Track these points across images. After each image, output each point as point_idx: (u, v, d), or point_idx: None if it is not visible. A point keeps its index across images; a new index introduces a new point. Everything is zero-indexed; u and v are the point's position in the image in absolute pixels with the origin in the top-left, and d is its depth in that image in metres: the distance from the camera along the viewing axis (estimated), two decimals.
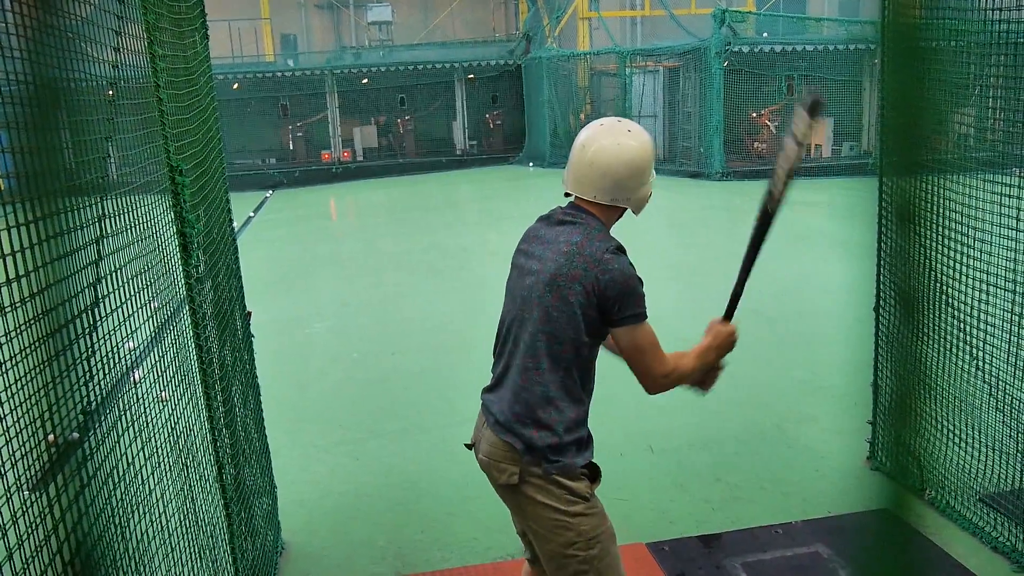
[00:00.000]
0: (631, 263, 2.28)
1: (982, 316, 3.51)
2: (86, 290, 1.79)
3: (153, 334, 2.38)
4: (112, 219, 2.01)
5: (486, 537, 3.84)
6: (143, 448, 2.10)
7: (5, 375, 1.49)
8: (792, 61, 16.88)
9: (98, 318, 1.85)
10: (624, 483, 4.25)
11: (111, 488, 1.84)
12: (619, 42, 21.35)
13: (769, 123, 16.85)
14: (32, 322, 1.52)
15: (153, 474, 2.19)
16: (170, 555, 2.29)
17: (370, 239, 12.45)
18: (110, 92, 2.18)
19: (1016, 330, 3.41)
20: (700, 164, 16.74)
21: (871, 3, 22.21)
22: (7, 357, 1.49)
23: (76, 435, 1.67)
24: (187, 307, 2.64)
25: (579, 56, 20.33)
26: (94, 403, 1.77)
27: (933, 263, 3.59)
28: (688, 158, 17.60)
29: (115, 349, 1.95)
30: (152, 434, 2.22)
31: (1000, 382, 3.56)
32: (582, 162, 2.33)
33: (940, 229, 3.53)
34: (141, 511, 2.05)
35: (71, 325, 1.64)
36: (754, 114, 16.98)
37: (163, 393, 2.40)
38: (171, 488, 2.36)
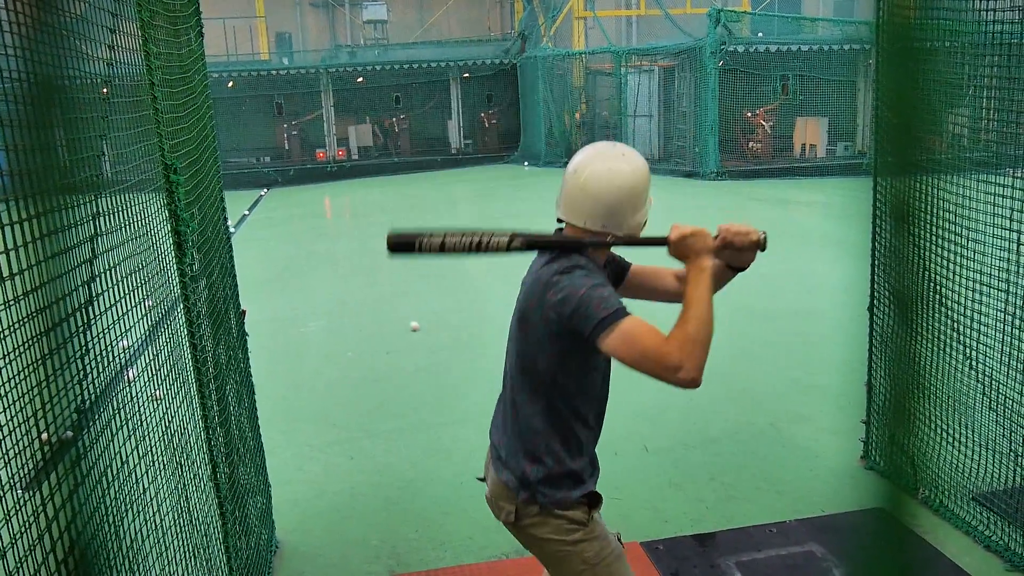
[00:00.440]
0: (587, 275, 2.12)
1: (976, 316, 3.52)
2: (80, 288, 1.78)
3: (147, 332, 2.37)
4: (106, 217, 2.01)
5: (481, 536, 3.84)
6: (137, 447, 2.10)
7: None
8: (787, 61, 16.93)
9: (92, 316, 1.85)
10: (619, 482, 4.25)
11: (105, 487, 1.83)
12: (614, 41, 21.35)
13: (764, 123, 16.89)
14: (26, 320, 1.51)
15: (147, 473, 2.18)
16: (164, 554, 2.28)
17: (365, 238, 12.43)
18: (104, 90, 2.17)
19: (1009, 329, 3.42)
20: (695, 164, 16.77)
21: (866, 3, 22.27)
22: (0, 355, 1.49)
23: (70, 433, 1.67)
24: (181, 305, 2.64)
25: (575, 55, 20.35)
26: (88, 401, 1.77)
27: (927, 263, 3.60)
28: (683, 158, 17.63)
29: (109, 347, 1.95)
30: (146, 433, 2.22)
31: (993, 381, 3.58)
32: (574, 187, 2.19)
33: (934, 229, 3.54)
34: (135, 510, 2.05)
35: (65, 323, 1.64)
36: (749, 114, 17.02)
37: (157, 392, 2.39)
38: (165, 487, 2.35)
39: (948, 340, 3.64)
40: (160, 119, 2.46)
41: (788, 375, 5.83)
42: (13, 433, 1.53)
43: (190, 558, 2.50)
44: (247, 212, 14.89)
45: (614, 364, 2.21)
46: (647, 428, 4.95)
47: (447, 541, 3.89)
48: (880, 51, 3.90)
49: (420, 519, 4.10)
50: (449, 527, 4.00)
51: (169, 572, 2.31)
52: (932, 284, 3.63)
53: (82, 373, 1.75)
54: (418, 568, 3.70)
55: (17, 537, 1.46)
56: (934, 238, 3.56)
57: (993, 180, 3.43)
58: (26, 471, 1.54)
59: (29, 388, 1.54)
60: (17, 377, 1.54)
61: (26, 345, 1.53)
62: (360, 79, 20.55)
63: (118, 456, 1.95)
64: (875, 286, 4.14)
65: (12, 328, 1.50)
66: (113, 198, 2.09)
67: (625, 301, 2.13)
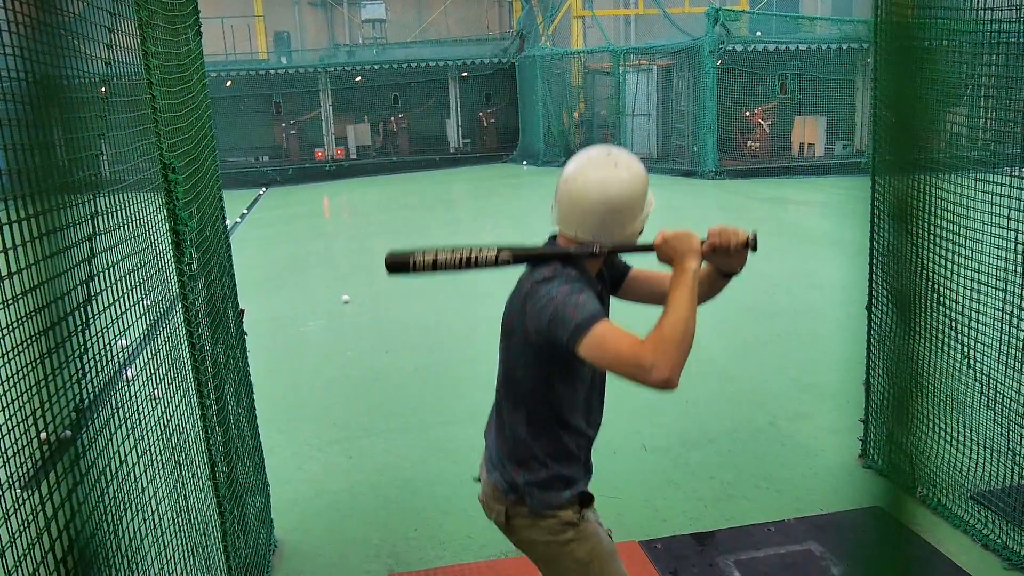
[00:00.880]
0: (565, 283, 2.09)
1: (973, 314, 3.53)
2: (78, 287, 1.78)
3: (146, 332, 2.37)
4: (105, 216, 2.01)
5: (480, 535, 3.84)
6: (136, 446, 2.10)
7: None
8: (785, 60, 16.93)
9: (90, 315, 1.85)
10: (617, 481, 4.26)
11: (104, 486, 1.83)
12: (613, 40, 21.33)
13: (762, 122, 16.89)
14: (24, 319, 1.51)
15: (146, 472, 2.18)
16: (163, 553, 2.28)
17: (363, 237, 12.42)
18: (103, 89, 2.17)
19: (1007, 328, 3.43)
20: (693, 163, 16.78)
21: (864, 2, 22.26)
22: None
23: (68, 433, 1.67)
24: (180, 305, 2.64)
25: (573, 54, 20.33)
26: (86, 401, 1.77)
27: (925, 261, 3.61)
28: (681, 156, 17.64)
29: (108, 347, 1.95)
30: (145, 432, 2.22)
31: (991, 380, 3.58)
32: (565, 197, 2.15)
33: (932, 228, 3.55)
34: (134, 509, 2.05)
35: (63, 322, 1.64)
36: (747, 113, 17.02)
37: (156, 391, 2.39)
38: (164, 486, 2.35)
39: (946, 339, 3.64)
40: (158, 118, 2.46)
41: (787, 374, 5.84)
42: (12, 432, 1.53)
43: (189, 557, 2.50)
44: (246, 211, 14.88)
45: None
46: (646, 427, 4.95)
47: (446, 540, 3.89)
48: (878, 50, 3.91)
49: (419, 518, 4.11)
50: (448, 526, 4.00)
51: (168, 571, 2.31)
52: (930, 283, 3.63)
53: (80, 372, 1.75)
54: (417, 567, 3.70)
55: (16, 536, 1.46)
56: (932, 237, 3.56)
57: (991, 179, 3.44)
58: (25, 470, 1.54)
59: (28, 387, 1.54)
60: (16, 376, 1.54)
61: (25, 344, 1.52)
62: (358, 78, 20.54)
63: (117, 455, 1.95)
64: (873, 285, 4.14)
65: (11, 327, 1.50)
66: (111, 197, 2.09)
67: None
